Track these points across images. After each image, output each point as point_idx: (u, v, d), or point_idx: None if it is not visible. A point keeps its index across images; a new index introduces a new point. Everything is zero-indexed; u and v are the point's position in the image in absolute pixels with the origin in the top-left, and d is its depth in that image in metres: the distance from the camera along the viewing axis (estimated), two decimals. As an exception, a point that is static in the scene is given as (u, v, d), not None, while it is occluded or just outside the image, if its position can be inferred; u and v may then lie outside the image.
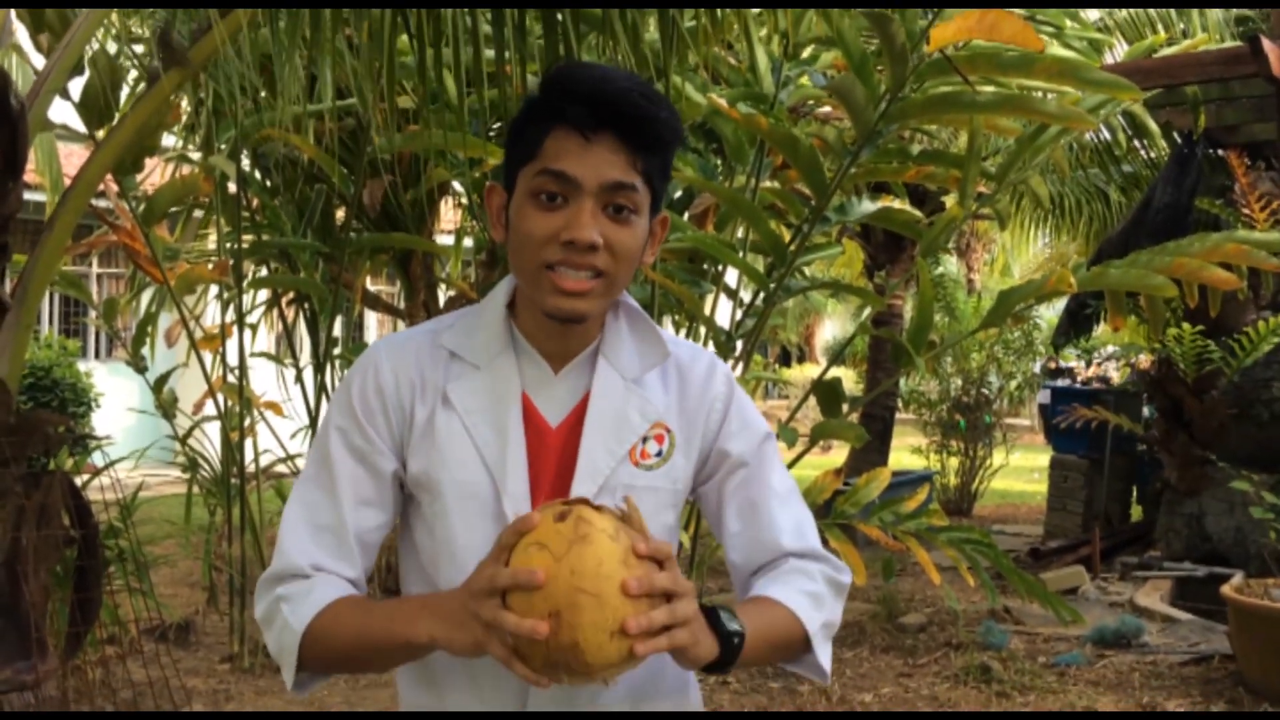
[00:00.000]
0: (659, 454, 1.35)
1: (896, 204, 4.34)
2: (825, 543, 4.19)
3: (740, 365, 4.46)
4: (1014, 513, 10.73)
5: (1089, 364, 18.48)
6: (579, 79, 1.25)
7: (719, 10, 3.22)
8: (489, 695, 1.30)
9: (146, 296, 5.69)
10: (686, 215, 4.69)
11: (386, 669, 1.30)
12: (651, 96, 1.26)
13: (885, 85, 3.65)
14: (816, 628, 1.34)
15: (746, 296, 4.60)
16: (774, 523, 1.40)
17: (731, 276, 4.66)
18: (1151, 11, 8.09)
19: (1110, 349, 17.23)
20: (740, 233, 4.65)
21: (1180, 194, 6.75)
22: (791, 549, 1.40)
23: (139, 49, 4.37)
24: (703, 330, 4.44)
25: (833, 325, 29.85)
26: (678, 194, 4.63)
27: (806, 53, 4.49)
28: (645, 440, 1.35)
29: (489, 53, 3.11)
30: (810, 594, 1.36)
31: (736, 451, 1.40)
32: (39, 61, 3.54)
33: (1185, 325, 6.71)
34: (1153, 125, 6.22)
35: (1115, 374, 16.06)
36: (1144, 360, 9.12)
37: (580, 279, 1.25)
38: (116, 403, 9.10)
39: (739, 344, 4.32)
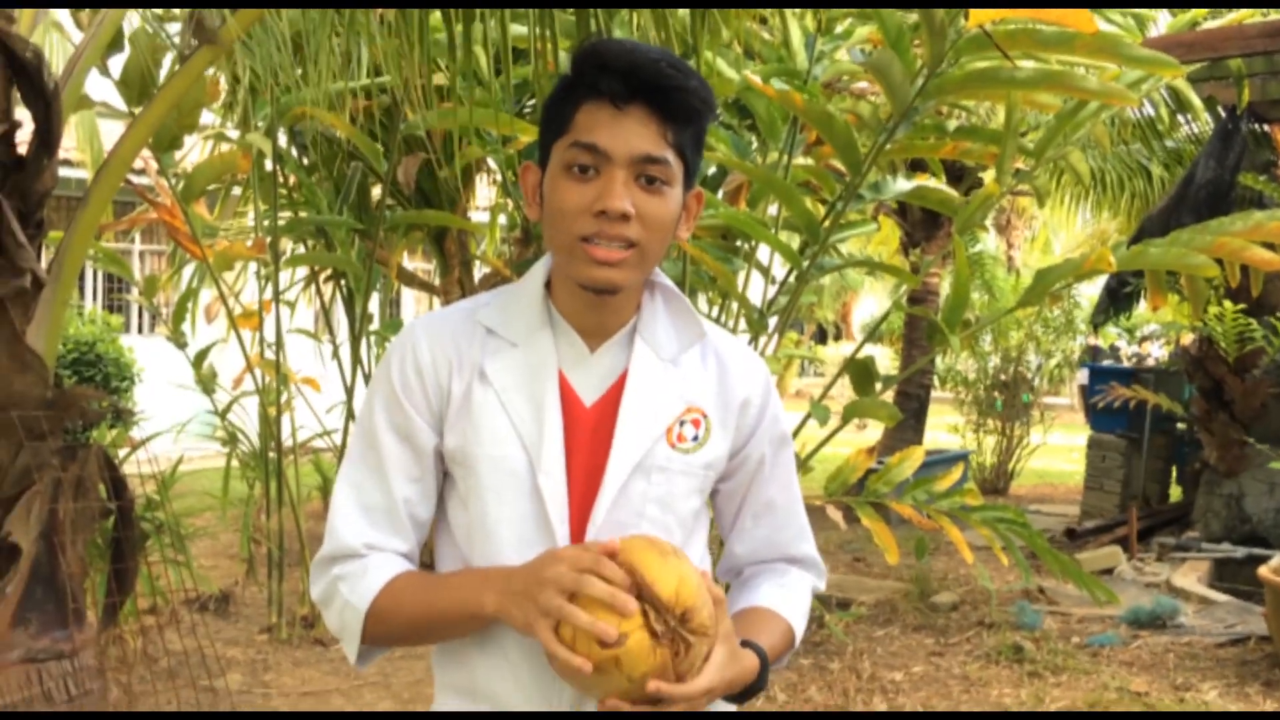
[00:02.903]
0: (695, 438, 1.36)
1: (932, 182, 4.30)
2: (857, 520, 4.19)
3: (772, 343, 4.44)
4: (1052, 493, 10.66)
5: (1130, 342, 18.23)
6: (609, 52, 1.27)
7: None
8: (522, 672, 1.31)
9: (187, 273, 5.76)
10: (720, 192, 4.67)
11: (451, 638, 1.34)
12: (681, 67, 1.26)
13: (922, 60, 3.61)
14: (797, 638, 1.46)
15: (780, 274, 4.58)
16: (787, 526, 1.49)
17: (764, 253, 4.65)
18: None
19: (1151, 327, 17.02)
20: (774, 209, 4.63)
21: (1223, 170, 6.64)
22: (796, 555, 1.50)
23: (175, 26, 4.40)
24: (735, 307, 4.43)
25: (870, 302, 29.68)
26: (711, 171, 4.61)
27: (841, 27, 4.45)
28: (682, 423, 1.36)
29: (521, 29, 3.11)
30: (804, 614, 1.48)
31: (764, 452, 1.44)
32: (80, 39, 3.58)
33: (1226, 304, 6.62)
34: (1196, 100, 6.11)
35: (1162, 353, 15.85)
36: (1186, 338, 9.01)
37: (612, 249, 1.26)
38: (158, 378, 9.22)
39: (771, 321, 4.31)
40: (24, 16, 2.44)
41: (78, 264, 2.44)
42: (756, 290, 4.60)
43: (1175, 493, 8.65)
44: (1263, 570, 4.88)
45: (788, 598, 1.45)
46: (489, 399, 1.33)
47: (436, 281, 6.57)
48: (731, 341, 1.45)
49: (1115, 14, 4.44)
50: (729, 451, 1.40)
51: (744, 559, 1.50)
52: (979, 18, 3.23)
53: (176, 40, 3.84)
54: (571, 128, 1.27)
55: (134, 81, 3.95)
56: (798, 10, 4.27)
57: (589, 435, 1.33)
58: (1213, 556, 6.54)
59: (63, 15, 3.38)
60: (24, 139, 2.40)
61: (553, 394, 1.32)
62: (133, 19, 3.42)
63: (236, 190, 6.00)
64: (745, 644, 1.31)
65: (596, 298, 1.31)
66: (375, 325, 5.47)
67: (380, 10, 2.66)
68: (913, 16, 3.67)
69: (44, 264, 2.42)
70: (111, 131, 6.87)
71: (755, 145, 4.49)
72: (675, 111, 1.26)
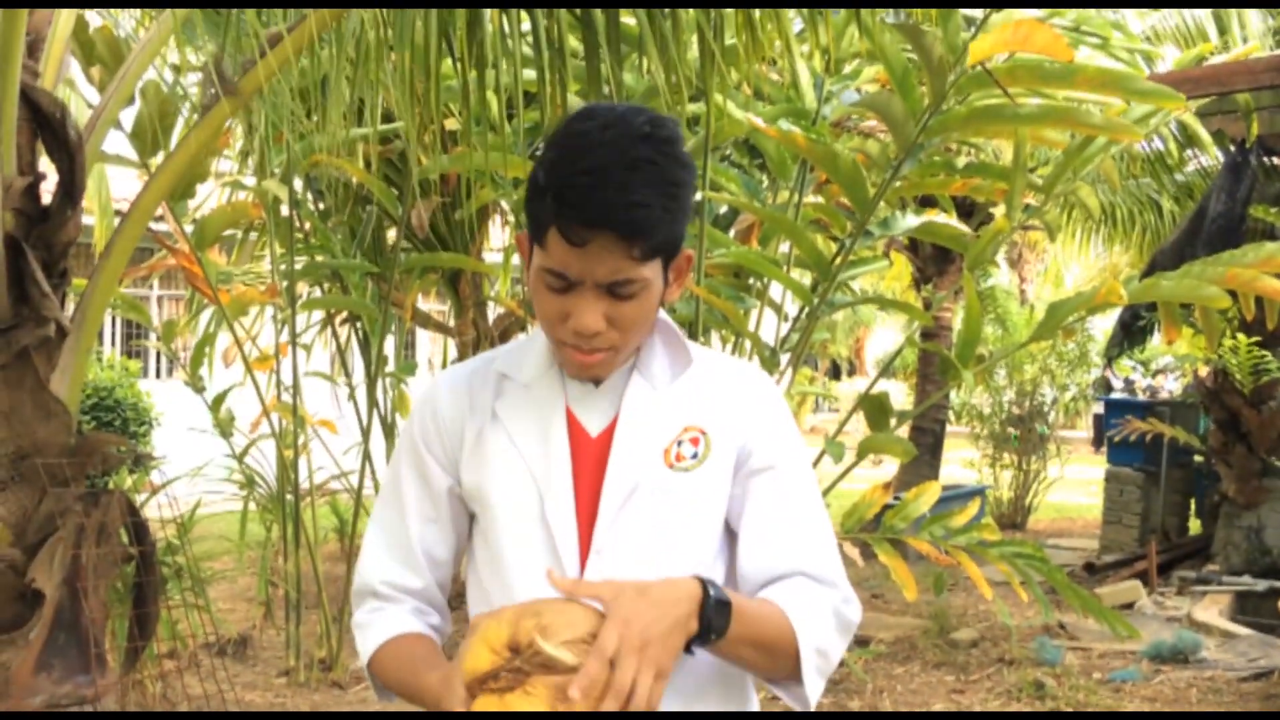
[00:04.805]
0: (695, 455, 1.38)
1: (941, 217, 4.32)
2: (874, 557, 4.18)
3: (785, 379, 4.46)
4: (1070, 527, 10.60)
5: (1145, 375, 18.13)
6: (568, 192, 1.23)
7: (759, 26, 3.24)
8: None
9: (205, 318, 5.81)
10: (732, 231, 4.71)
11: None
12: (643, 196, 1.23)
13: (928, 99, 3.65)
14: (808, 649, 1.31)
15: (792, 310, 4.60)
16: (794, 536, 1.37)
17: (777, 290, 4.67)
18: (1203, 20, 8.00)
19: (1165, 360, 16.94)
20: (785, 247, 4.66)
21: (1234, 203, 6.66)
22: (809, 570, 1.36)
23: (193, 77, 4.48)
24: (748, 345, 4.45)
25: (884, 338, 29.64)
26: (723, 210, 4.65)
27: (850, 68, 4.49)
28: (680, 443, 1.38)
29: (531, 73, 3.17)
30: (812, 613, 1.32)
31: (768, 460, 1.39)
32: (88, 92, 3.66)
33: (1241, 336, 6.62)
34: (1204, 134, 6.12)
35: (1176, 386, 15.74)
36: (1202, 370, 9.00)
37: (591, 354, 1.32)
38: (177, 422, 9.27)
39: (784, 358, 4.33)
40: (47, 72, 2.50)
41: (100, 312, 2.48)
42: (770, 327, 4.62)
43: (1194, 526, 8.59)
44: (1284, 603, 4.85)
45: (788, 596, 1.33)
46: (499, 437, 1.40)
47: (451, 322, 6.62)
48: (730, 361, 1.51)
49: (1120, 50, 4.47)
50: (734, 463, 1.39)
51: (752, 578, 1.37)
52: (978, 54, 3.27)
53: (192, 91, 3.92)
54: (545, 244, 1.28)
55: (145, 134, 4.01)
56: (805, 51, 4.32)
57: (595, 464, 1.37)
58: (1234, 590, 6.49)
59: (75, 72, 3.46)
60: (47, 190, 2.46)
61: (560, 428, 1.38)
62: (144, 72, 3.48)
63: (254, 235, 6.06)
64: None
65: None
66: (391, 367, 5.51)
67: (393, 58, 2.71)
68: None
69: (67, 312, 2.46)
70: (117, 179, 6.95)
71: (766, 184, 4.53)
72: (639, 235, 1.25)
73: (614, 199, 1.22)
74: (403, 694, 1.40)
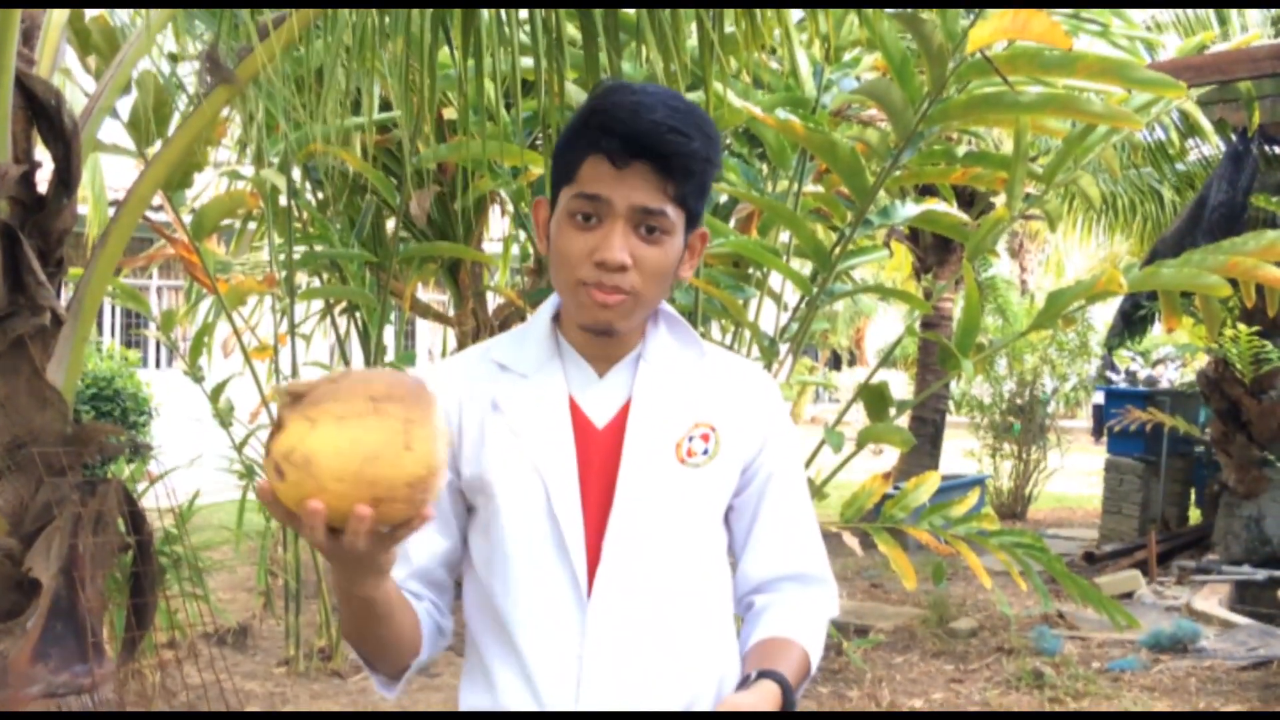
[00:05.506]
0: (706, 452, 1.38)
1: (941, 207, 4.31)
2: (873, 546, 4.17)
3: (785, 369, 4.45)
4: (1070, 516, 10.60)
5: (1145, 365, 18.08)
6: (614, 111, 1.30)
7: (758, 14, 3.23)
8: (543, 693, 1.34)
9: (204, 308, 5.80)
10: (731, 220, 4.69)
11: (372, 631, 1.31)
12: (685, 128, 1.29)
13: (927, 87, 3.63)
14: (814, 669, 1.43)
15: (792, 300, 4.59)
16: (799, 542, 1.46)
17: (776, 280, 4.66)
18: (1204, 9, 7.99)
19: (1165, 350, 16.90)
20: (785, 237, 4.64)
21: (1235, 192, 6.64)
22: (809, 573, 1.47)
23: (189, 67, 4.47)
24: (747, 335, 4.44)
25: (884, 327, 29.60)
26: (722, 199, 4.64)
27: (849, 56, 4.48)
28: (691, 439, 1.38)
29: (529, 61, 3.15)
30: (820, 639, 1.45)
31: (775, 465, 1.44)
32: (84, 80, 3.64)
33: (1241, 325, 6.61)
34: (1205, 123, 6.11)
35: (1176, 375, 15.70)
36: (1201, 359, 8.98)
37: (610, 293, 1.30)
38: (176, 412, 9.26)
39: (783, 348, 4.32)
40: (43, 60, 2.49)
41: (97, 301, 2.47)
42: (769, 317, 4.61)
43: (1194, 515, 8.60)
44: (1283, 592, 4.85)
45: (802, 624, 1.42)
46: (501, 428, 1.37)
47: (451, 312, 6.61)
48: (738, 360, 1.50)
49: (1121, 37, 4.46)
50: (741, 465, 1.42)
51: (755, 578, 1.45)
52: (977, 42, 3.26)
53: (189, 81, 3.91)
54: (577, 178, 1.31)
55: (141, 122, 3.99)
56: (805, 40, 4.30)
57: (603, 456, 1.36)
58: (1233, 579, 6.50)
59: (71, 61, 3.44)
60: (43, 178, 2.45)
61: (563, 419, 1.37)
62: (141, 60, 3.47)
63: (253, 225, 6.05)
64: (763, 674, 1.31)
65: (597, 335, 1.36)
66: (390, 356, 5.50)
67: (389, 47, 2.70)
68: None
69: (63, 301, 2.45)
70: (112, 168, 6.93)
71: (765, 173, 4.52)
72: (676, 170, 1.29)
73: (660, 121, 1.27)
74: (356, 631, 1.30)
